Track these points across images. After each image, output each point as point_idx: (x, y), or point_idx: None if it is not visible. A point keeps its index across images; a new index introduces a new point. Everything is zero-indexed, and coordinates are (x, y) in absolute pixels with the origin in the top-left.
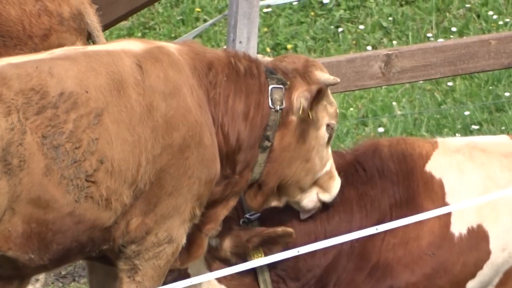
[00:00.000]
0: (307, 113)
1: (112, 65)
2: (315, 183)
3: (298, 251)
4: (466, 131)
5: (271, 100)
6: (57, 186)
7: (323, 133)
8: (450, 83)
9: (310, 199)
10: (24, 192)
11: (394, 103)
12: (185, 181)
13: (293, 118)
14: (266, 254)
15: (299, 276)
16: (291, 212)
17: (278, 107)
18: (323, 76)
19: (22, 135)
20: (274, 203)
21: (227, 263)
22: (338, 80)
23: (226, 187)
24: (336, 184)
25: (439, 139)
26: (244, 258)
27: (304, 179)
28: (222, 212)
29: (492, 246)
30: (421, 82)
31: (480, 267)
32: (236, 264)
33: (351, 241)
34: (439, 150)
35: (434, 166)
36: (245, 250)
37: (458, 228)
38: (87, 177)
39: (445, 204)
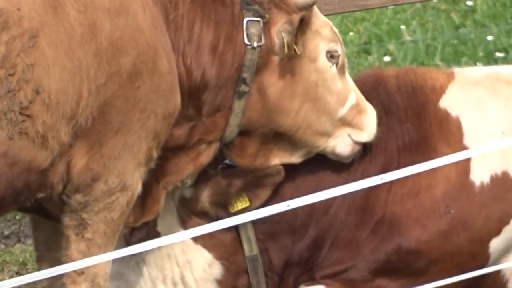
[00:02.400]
0: (292, 49)
1: None
2: (343, 123)
3: (288, 205)
4: (489, 60)
5: (247, 35)
6: None
7: (324, 63)
8: (469, 2)
9: (344, 144)
10: None
11: (402, 27)
12: (135, 115)
13: (276, 58)
14: (252, 202)
15: (291, 232)
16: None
17: (255, 44)
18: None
19: None
20: (282, 159)
21: (205, 217)
22: None
23: (192, 131)
24: (369, 118)
25: (456, 70)
26: (225, 208)
27: (319, 122)
28: (188, 165)
29: None
30: (434, 0)
31: (507, 222)
32: (217, 218)
33: (352, 193)
34: (456, 82)
35: (450, 102)
36: (226, 197)
37: (479, 175)
38: (22, 109)
39: (463, 147)
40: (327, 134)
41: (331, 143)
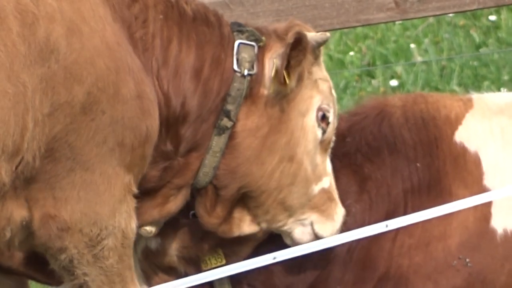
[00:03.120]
0: (282, 76)
1: None
2: (311, 205)
3: (275, 258)
4: None
5: (237, 60)
6: None
7: (313, 121)
8: (492, 17)
9: (304, 231)
10: None
11: (412, 46)
12: (92, 151)
13: (265, 92)
14: (228, 260)
15: None
16: None
17: (246, 72)
18: (309, 35)
19: None
20: (249, 228)
21: (173, 273)
22: (329, 35)
23: (165, 173)
24: (339, 212)
25: (475, 96)
26: (196, 265)
27: (290, 191)
28: (152, 211)
29: None
30: (451, 15)
31: None
32: (186, 275)
33: (349, 244)
34: (475, 111)
35: (468, 135)
36: (199, 252)
37: (502, 222)
38: None
39: (483, 188)
40: (292, 211)
41: (291, 224)
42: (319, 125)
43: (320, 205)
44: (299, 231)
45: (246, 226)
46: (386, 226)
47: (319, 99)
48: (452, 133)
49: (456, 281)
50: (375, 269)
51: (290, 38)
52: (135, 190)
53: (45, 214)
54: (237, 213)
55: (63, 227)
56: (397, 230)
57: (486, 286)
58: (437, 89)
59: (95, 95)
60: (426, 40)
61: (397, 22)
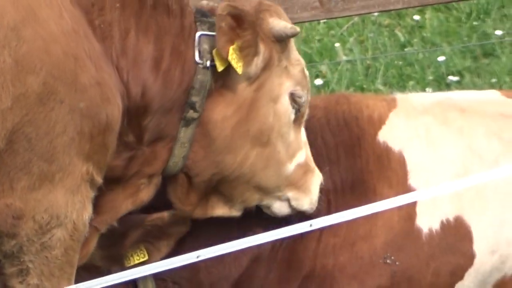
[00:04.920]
0: (222, 57)
1: None
2: (287, 182)
3: (198, 256)
4: (441, 84)
5: (199, 52)
6: None
7: (285, 106)
8: (416, 17)
9: (281, 205)
10: None
11: (337, 45)
12: (51, 142)
13: (230, 81)
14: (151, 255)
15: None
16: None
17: (208, 63)
18: (278, 24)
19: None
20: (223, 210)
21: (96, 272)
22: (298, 30)
23: (130, 162)
24: (315, 183)
25: (399, 96)
26: (119, 262)
27: (264, 174)
28: (124, 202)
29: (477, 246)
30: (375, 14)
31: (460, 277)
32: (109, 273)
33: (273, 243)
34: (399, 111)
35: (392, 134)
36: (120, 249)
37: (427, 221)
38: None
39: (407, 188)
40: (267, 192)
41: (267, 200)
42: (292, 107)
43: (296, 181)
44: (277, 205)
45: (220, 208)
46: (310, 225)
47: (289, 85)
48: (375, 133)
49: (381, 281)
50: (300, 269)
51: (220, 9)
52: (97, 179)
53: (2, 203)
54: (212, 197)
55: (18, 215)
56: (322, 230)
57: (412, 285)
58: (362, 88)
59: (51, 85)
60: (351, 39)
61: (321, 21)
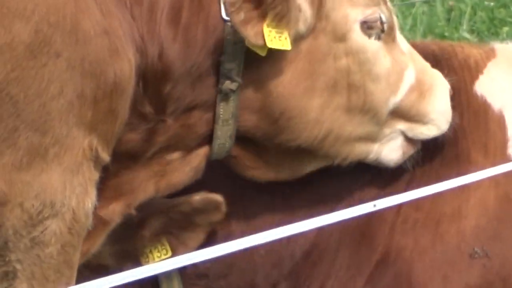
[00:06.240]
0: (260, 42)
1: None
2: (395, 116)
3: (241, 244)
4: None
5: (225, 6)
6: None
7: (359, 40)
8: None
9: (391, 147)
10: None
11: None
12: (45, 106)
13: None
14: (175, 251)
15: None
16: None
17: None
18: None
19: None
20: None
21: (104, 271)
22: None
23: (151, 136)
24: (438, 100)
25: (497, 45)
26: (134, 260)
27: (355, 125)
28: (147, 184)
29: None
30: None
31: None
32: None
33: (341, 223)
34: (498, 62)
35: (491, 87)
36: (137, 243)
37: None
38: None
39: (506, 158)
40: (370, 139)
41: (376, 149)
42: (370, 36)
43: (409, 110)
44: (387, 150)
45: (307, 165)
46: (374, 206)
47: (356, 13)
48: (472, 82)
49: (470, 278)
50: (373, 247)
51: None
52: (103, 156)
53: None
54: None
55: (4, 200)
56: (400, 205)
57: (509, 285)
58: (443, 36)
59: (45, 33)
60: None
61: None
